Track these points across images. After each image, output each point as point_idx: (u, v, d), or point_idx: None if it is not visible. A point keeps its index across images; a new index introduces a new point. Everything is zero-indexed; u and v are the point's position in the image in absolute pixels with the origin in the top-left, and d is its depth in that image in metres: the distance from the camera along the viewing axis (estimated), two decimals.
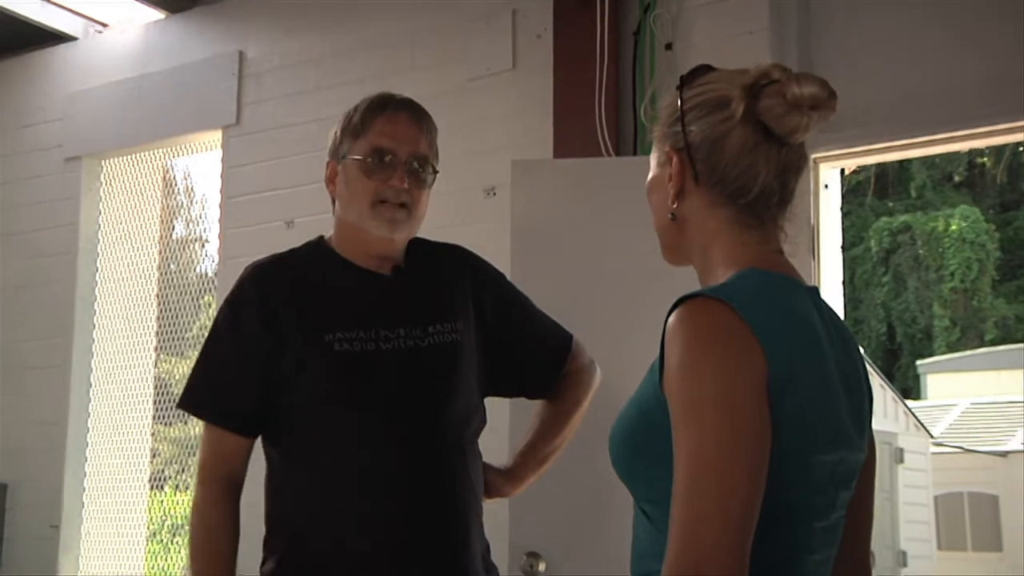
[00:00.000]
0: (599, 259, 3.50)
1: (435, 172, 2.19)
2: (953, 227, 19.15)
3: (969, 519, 14.00)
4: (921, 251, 19.40)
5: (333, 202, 2.22)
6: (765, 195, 1.40)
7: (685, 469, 1.24)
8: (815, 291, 1.45)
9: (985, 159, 20.31)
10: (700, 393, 1.25)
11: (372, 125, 2.14)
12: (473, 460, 2.16)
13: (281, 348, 2.08)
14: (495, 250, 3.00)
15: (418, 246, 2.24)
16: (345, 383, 2.07)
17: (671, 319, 1.32)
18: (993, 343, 18.53)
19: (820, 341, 1.36)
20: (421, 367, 2.11)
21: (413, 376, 2.09)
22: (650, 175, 1.50)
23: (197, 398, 2.16)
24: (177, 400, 2.22)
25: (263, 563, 2.13)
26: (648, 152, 1.51)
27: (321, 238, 2.24)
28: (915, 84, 3.49)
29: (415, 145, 2.15)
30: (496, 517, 3.15)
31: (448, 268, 2.24)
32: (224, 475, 2.11)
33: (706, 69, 1.46)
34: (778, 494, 1.27)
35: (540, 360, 2.29)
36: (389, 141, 2.13)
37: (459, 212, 4.03)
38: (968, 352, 17.67)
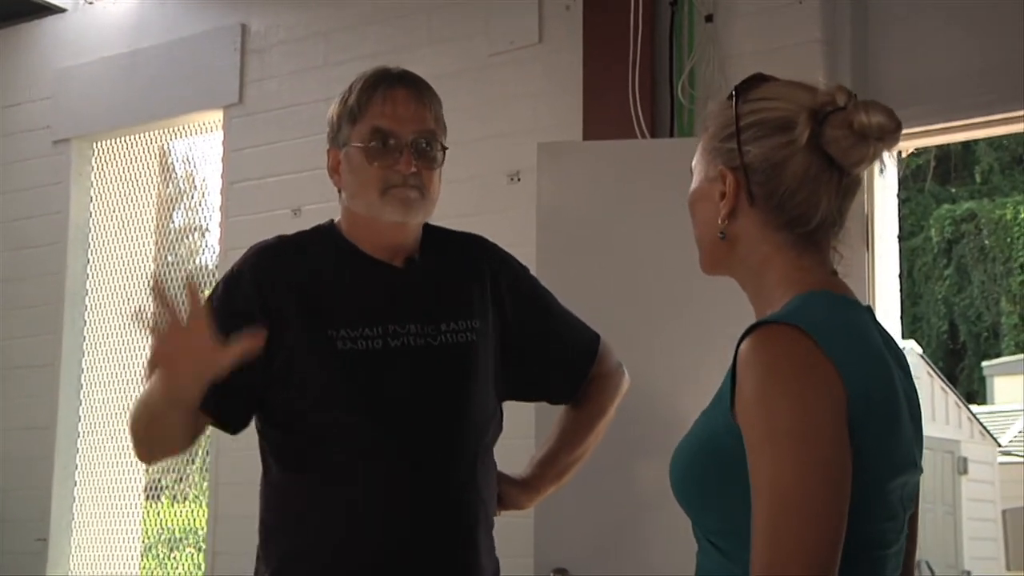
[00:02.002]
0: (632, 251, 3.50)
1: (444, 149, 2.17)
2: (1023, 215, 19.02)
3: None
4: (987, 241, 19.27)
5: (340, 192, 2.21)
6: (825, 225, 1.46)
7: (765, 505, 1.29)
8: (871, 311, 1.51)
9: None
10: (778, 424, 1.31)
11: (369, 106, 2.13)
12: (485, 472, 2.15)
13: (278, 340, 2.04)
14: (519, 240, 3.02)
15: (434, 236, 2.23)
16: (346, 385, 2.07)
17: (744, 346, 1.37)
18: None
19: (888, 364, 1.42)
20: (433, 368, 2.10)
21: (424, 378, 2.09)
22: (695, 185, 1.54)
23: None
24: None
25: (255, 572, 2.14)
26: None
27: (332, 222, 2.23)
28: (980, 58, 3.47)
29: (419, 123, 2.13)
30: (521, 531, 3.17)
31: (467, 261, 2.24)
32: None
33: (761, 79, 1.51)
34: (858, 526, 1.32)
35: (565, 364, 2.28)
36: (390, 122, 2.11)
37: (480, 199, 4.04)
38: None
